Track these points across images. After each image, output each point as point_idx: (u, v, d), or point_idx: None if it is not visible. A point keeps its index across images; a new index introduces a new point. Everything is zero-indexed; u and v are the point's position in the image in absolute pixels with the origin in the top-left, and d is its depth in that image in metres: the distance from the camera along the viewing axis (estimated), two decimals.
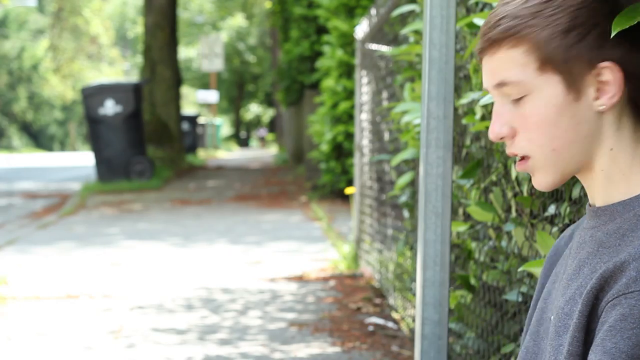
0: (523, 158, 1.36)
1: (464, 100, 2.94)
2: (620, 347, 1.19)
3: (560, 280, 1.38)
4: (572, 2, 1.30)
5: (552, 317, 1.35)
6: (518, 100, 1.34)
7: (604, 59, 1.30)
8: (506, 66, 1.33)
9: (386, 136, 5.44)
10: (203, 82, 49.05)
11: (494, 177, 2.74)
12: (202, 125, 34.76)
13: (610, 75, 1.30)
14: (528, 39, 1.31)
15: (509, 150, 1.38)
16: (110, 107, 15.21)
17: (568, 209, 2.08)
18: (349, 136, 11.09)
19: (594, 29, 1.29)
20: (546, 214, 2.24)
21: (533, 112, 1.32)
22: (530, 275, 2.32)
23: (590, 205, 1.37)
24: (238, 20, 48.99)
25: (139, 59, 43.69)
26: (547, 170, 1.35)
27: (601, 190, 1.35)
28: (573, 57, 1.30)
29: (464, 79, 3.18)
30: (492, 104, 2.55)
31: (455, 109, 3.19)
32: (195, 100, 49.36)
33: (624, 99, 1.31)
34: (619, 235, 1.28)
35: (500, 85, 1.34)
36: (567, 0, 1.30)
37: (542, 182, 1.36)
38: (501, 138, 1.36)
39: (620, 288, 1.21)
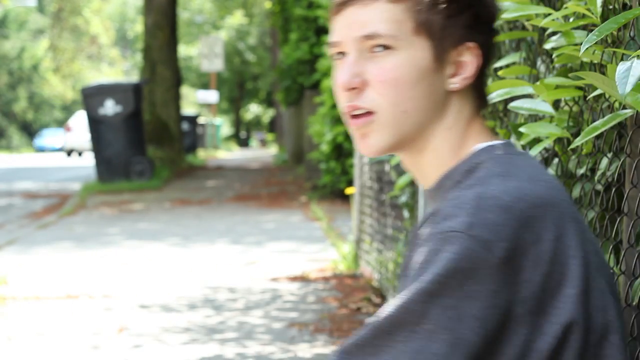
0: (366, 114, 1.35)
1: None
2: (410, 287, 1.25)
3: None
4: None
5: None
6: (378, 54, 1.33)
7: (472, 40, 1.34)
8: (381, 19, 1.32)
9: None
10: (203, 82, 49.04)
11: None
12: (202, 125, 34.75)
13: (469, 56, 1.34)
14: None
15: (350, 103, 1.35)
16: (110, 107, 15.20)
17: None
18: (349, 137, 11.09)
19: (469, 9, 1.33)
20: None
21: (395, 68, 1.32)
22: None
23: (424, 189, 1.42)
24: (237, 18, 48.95)
25: (139, 59, 43.68)
26: (387, 131, 1.35)
27: (432, 170, 1.38)
28: (448, 29, 1.33)
29: None
30: (492, 105, 2.55)
31: None
32: (195, 100, 49.34)
33: (472, 83, 1.36)
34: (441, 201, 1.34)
35: (370, 37, 1.33)
36: None
37: (375, 144, 1.36)
38: (350, 89, 1.34)
39: (421, 238, 1.30)
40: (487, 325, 1.22)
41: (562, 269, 1.27)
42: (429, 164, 1.38)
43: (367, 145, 1.36)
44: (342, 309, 5.33)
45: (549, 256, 1.26)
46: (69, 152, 36.59)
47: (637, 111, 1.66)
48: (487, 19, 1.36)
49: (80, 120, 34.97)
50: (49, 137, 48.00)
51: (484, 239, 1.23)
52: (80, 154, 36.45)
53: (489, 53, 1.37)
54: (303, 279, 6.41)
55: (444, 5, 1.32)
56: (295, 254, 7.66)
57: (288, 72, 17.50)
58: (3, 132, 54.29)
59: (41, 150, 47.41)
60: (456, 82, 1.35)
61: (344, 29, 1.35)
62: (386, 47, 1.32)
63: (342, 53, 1.36)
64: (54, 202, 13.52)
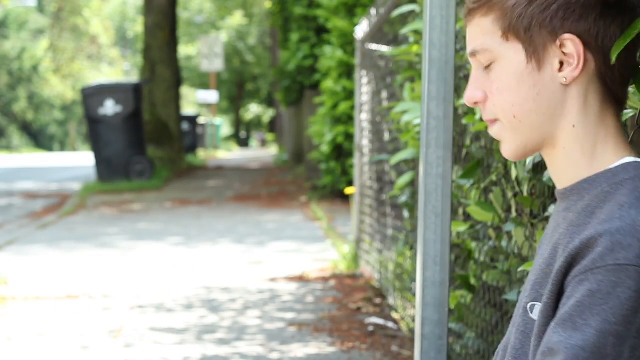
0: (494, 121, 1.39)
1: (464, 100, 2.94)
2: (590, 324, 1.19)
3: (536, 266, 1.38)
4: None
5: (528, 305, 1.35)
6: (488, 67, 1.37)
7: (567, 31, 1.30)
8: (478, 34, 1.37)
9: (386, 136, 5.44)
10: (203, 82, 49.03)
11: (494, 177, 2.74)
12: (202, 125, 34.76)
13: (572, 47, 1.30)
14: (497, 7, 1.33)
15: (483, 117, 1.41)
16: (110, 107, 15.20)
17: None
18: (349, 137, 11.08)
19: (554, 3, 1.30)
20: (546, 214, 2.24)
21: (497, 78, 1.35)
22: None
23: (557, 189, 1.38)
24: (237, 18, 48.93)
25: (139, 59, 43.66)
26: (510, 137, 1.37)
27: (564, 169, 1.36)
28: (535, 26, 1.31)
29: (464, 79, 3.18)
30: None
31: (455, 109, 3.18)
32: (195, 100, 49.34)
33: (593, 74, 1.32)
34: (588, 213, 1.29)
35: (473, 54, 1.38)
36: None
37: (507, 149, 1.39)
38: (475, 103, 1.39)
39: (587, 264, 1.22)
40: None
41: None
42: (560, 164, 1.36)
43: (503, 149, 1.40)
44: (341, 309, 5.33)
45: None
46: None
47: (637, 111, 1.66)
48: (585, 2, 1.31)
49: None
50: None
51: None
52: None
53: (605, 38, 1.31)
54: (303, 279, 6.41)
55: (525, 6, 1.31)
56: (295, 254, 7.66)
57: (288, 72, 17.50)
58: (3, 132, 54.30)
59: None
60: (565, 76, 1.32)
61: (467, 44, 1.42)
62: (489, 61, 1.36)
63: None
64: (54, 202, 13.52)
